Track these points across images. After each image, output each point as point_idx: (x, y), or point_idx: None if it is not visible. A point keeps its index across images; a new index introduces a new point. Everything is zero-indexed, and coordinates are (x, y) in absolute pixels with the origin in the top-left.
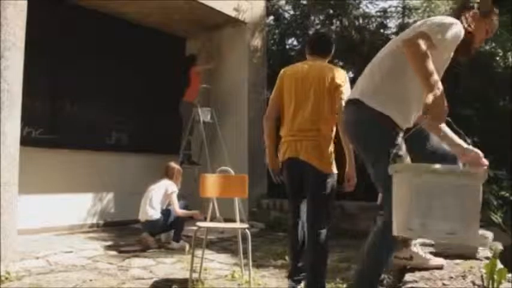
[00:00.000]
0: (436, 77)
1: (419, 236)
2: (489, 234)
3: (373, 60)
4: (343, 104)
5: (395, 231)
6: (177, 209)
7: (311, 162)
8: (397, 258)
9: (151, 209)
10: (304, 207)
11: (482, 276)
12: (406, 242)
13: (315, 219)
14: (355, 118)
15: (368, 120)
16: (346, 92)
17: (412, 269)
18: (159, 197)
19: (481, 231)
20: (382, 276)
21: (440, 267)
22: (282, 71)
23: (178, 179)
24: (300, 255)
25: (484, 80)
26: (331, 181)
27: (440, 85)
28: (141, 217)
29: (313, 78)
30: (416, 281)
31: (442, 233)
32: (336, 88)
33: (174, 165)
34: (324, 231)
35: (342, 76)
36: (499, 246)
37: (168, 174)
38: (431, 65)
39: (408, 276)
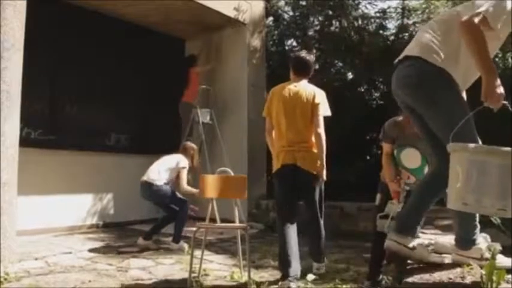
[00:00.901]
0: (490, 61)
1: (473, 210)
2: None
3: (430, 23)
4: (320, 119)
5: (451, 204)
6: (185, 185)
7: (305, 167)
8: (402, 245)
9: (156, 174)
10: (295, 213)
11: (482, 277)
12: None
13: (313, 207)
14: (417, 72)
15: (432, 72)
16: (323, 110)
17: (412, 270)
18: (168, 166)
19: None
20: (381, 277)
21: (441, 263)
22: (271, 92)
23: (194, 158)
24: (292, 262)
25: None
26: (320, 179)
27: (495, 69)
28: (144, 177)
29: (299, 99)
30: (415, 282)
31: (494, 209)
32: (315, 106)
33: (191, 144)
34: (319, 215)
35: (320, 96)
36: (498, 247)
37: (182, 151)
38: (486, 49)
39: (408, 278)
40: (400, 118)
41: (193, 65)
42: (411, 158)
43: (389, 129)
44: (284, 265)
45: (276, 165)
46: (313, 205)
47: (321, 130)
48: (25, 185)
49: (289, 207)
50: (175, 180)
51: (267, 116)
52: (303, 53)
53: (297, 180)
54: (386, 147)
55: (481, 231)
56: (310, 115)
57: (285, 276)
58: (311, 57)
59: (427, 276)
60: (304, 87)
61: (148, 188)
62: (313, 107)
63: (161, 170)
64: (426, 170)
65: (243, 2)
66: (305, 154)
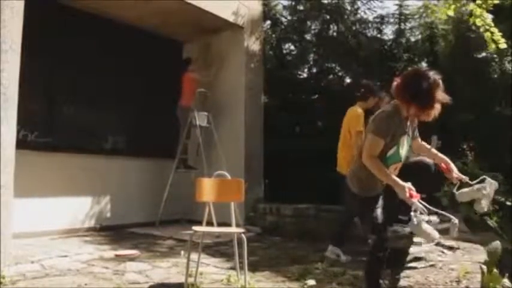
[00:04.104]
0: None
1: None
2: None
3: None
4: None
5: None
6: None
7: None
8: None
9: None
10: None
11: (483, 272)
12: None
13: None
14: None
15: None
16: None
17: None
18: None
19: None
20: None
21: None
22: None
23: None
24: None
25: (482, 85)
26: None
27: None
28: None
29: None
30: (411, 286)
31: None
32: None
33: (366, 82)
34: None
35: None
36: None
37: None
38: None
39: (403, 281)
40: (391, 104)
41: (187, 68)
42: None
43: (390, 121)
44: (340, 241)
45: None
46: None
47: None
48: (21, 187)
49: None
50: None
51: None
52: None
53: None
54: (379, 144)
55: (479, 234)
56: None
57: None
58: (364, 86)
59: (422, 279)
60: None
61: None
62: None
63: None
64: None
65: (241, 5)
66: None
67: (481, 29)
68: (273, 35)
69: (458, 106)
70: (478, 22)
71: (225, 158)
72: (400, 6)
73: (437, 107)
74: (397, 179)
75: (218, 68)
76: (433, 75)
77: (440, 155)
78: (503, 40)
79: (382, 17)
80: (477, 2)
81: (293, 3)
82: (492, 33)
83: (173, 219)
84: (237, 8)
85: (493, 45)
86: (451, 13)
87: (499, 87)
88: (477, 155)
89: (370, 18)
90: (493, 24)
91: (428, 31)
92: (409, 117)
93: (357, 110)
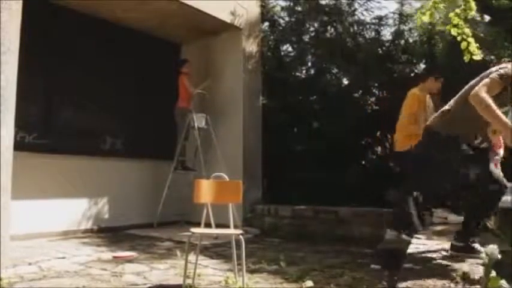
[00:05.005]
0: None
1: None
2: None
3: None
4: None
5: None
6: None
7: None
8: None
9: None
10: None
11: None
12: None
13: None
14: None
15: None
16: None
17: (406, 275)
18: None
19: None
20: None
21: None
22: None
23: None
24: None
25: None
26: None
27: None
28: None
29: None
30: None
31: None
32: None
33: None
34: None
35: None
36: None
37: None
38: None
39: (401, 283)
40: None
41: (181, 69)
42: None
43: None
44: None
45: None
46: None
47: None
48: (19, 189)
49: None
50: None
51: None
52: None
53: None
54: (497, 87)
55: (478, 235)
56: None
57: None
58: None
59: (420, 281)
60: None
61: None
62: None
63: None
64: None
65: (239, 7)
66: None
67: (458, 38)
68: (271, 36)
69: None
70: (454, 32)
71: (223, 159)
72: (402, 4)
73: None
74: (507, 120)
75: (212, 81)
76: None
77: None
78: (478, 52)
79: (379, 18)
80: (456, 11)
81: (291, 4)
82: (469, 43)
83: (171, 220)
84: (235, 9)
85: (469, 56)
86: (426, 19)
87: None
88: None
89: (368, 19)
90: (470, 34)
91: (427, 32)
92: None
93: (414, 92)
